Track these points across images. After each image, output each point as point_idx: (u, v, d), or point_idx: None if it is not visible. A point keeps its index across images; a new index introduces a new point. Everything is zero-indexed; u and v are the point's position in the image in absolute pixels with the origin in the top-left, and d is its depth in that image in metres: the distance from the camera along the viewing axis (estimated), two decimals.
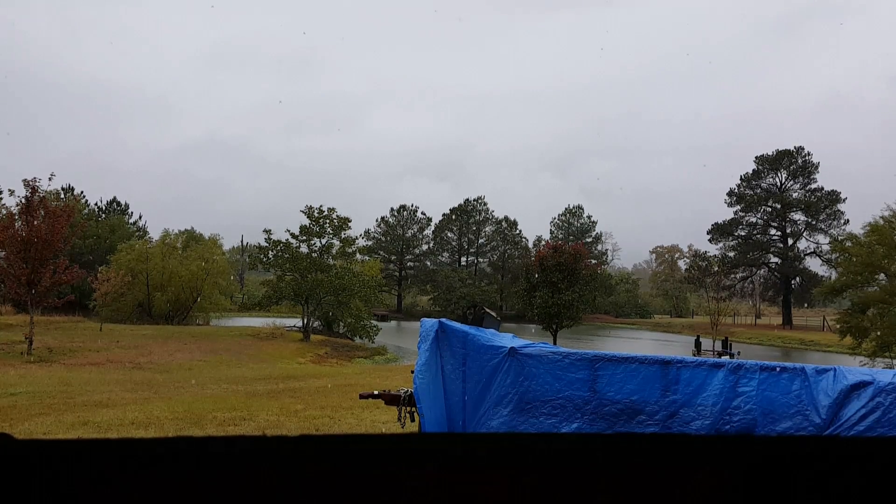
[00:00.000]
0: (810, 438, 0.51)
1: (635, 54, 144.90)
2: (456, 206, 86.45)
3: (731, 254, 73.67)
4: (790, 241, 72.59)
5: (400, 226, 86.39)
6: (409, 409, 5.14)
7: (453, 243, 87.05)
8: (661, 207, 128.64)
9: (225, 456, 0.47)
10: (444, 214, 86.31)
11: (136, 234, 64.90)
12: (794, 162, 71.45)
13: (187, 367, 23.77)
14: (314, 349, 34.88)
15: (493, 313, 40.36)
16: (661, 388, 4.51)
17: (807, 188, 71.32)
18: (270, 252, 40.19)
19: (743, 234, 73.82)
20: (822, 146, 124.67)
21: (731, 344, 36.47)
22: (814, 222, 70.80)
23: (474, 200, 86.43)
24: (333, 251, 41.42)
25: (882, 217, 33.81)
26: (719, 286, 65.05)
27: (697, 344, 37.57)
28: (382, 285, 50.95)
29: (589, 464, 0.50)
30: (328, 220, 40.76)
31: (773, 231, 73.94)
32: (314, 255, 40.27)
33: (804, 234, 72.17)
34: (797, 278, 71.85)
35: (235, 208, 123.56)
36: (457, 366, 5.07)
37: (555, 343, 20.80)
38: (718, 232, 73.81)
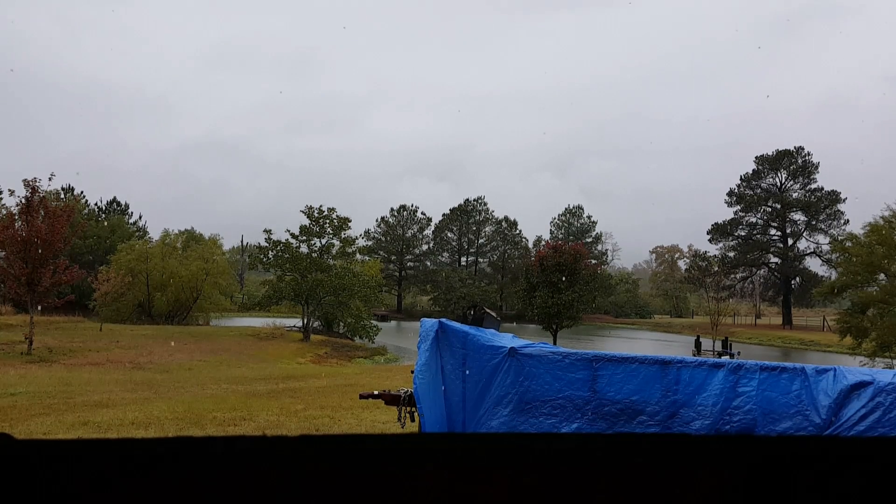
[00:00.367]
0: (810, 438, 0.51)
1: (635, 54, 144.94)
2: (456, 206, 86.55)
3: (731, 254, 73.68)
4: (790, 241, 72.60)
5: (400, 226, 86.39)
6: (409, 409, 5.14)
7: (453, 243, 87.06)
8: (661, 207, 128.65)
9: (225, 456, 0.47)
10: (444, 214, 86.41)
11: (136, 234, 64.90)
12: (794, 162, 71.46)
13: (187, 367, 23.77)
14: (314, 349, 34.88)
15: (493, 313, 40.35)
16: (661, 388, 4.51)
17: (807, 188, 71.34)
18: (270, 252, 40.19)
19: (743, 234, 73.83)
20: (821, 146, 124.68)
21: (731, 344, 36.48)
22: (814, 222, 70.81)
23: (474, 200, 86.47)
24: (333, 251, 41.43)
25: (882, 217, 33.81)
26: (719, 286, 65.08)
27: (697, 344, 37.57)
28: (382, 285, 50.94)
29: (589, 464, 0.50)
30: (328, 220, 40.77)
31: (773, 231, 73.95)
32: (314, 255, 40.27)
33: (804, 234, 72.19)
34: (797, 278, 71.86)
35: (235, 208, 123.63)
36: (457, 366, 5.07)
37: (555, 343, 20.82)
38: (718, 232, 73.81)
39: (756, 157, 73.39)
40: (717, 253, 74.48)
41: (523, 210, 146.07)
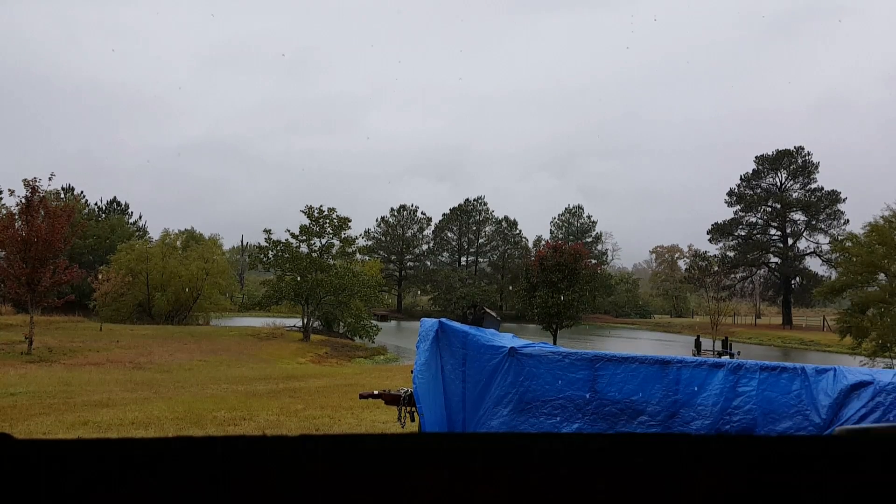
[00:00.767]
0: (810, 438, 0.51)
1: (635, 55, 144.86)
2: (456, 206, 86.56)
3: (731, 254, 73.68)
4: (790, 241, 72.60)
5: (400, 226, 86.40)
6: (409, 409, 5.14)
7: (453, 243, 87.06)
8: (661, 207, 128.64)
9: (225, 456, 0.47)
10: (444, 214, 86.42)
11: (136, 234, 64.92)
12: (793, 162, 71.46)
13: (187, 367, 23.77)
14: (314, 349, 34.88)
15: (493, 313, 40.30)
16: (661, 388, 4.51)
17: (807, 188, 71.34)
18: (270, 252, 40.19)
19: (743, 234, 73.83)
20: (821, 146, 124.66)
21: (731, 344, 36.47)
22: (814, 222, 70.82)
23: (474, 200, 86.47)
24: (333, 251, 41.42)
25: (882, 217, 33.82)
26: (719, 286, 65.09)
27: (697, 344, 37.56)
28: (382, 285, 50.94)
29: (589, 464, 0.50)
30: (328, 220, 40.77)
31: (773, 231, 73.95)
32: (314, 255, 40.27)
33: (804, 234, 72.19)
34: (797, 278, 71.86)
35: (235, 208, 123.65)
36: (457, 366, 5.07)
37: (555, 343, 20.81)
38: (718, 232, 73.81)
39: (756, 157, 73.44)
40: (717, 253, 74.53)
41: (523, 210, 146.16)
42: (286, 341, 36.39)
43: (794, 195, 71.63)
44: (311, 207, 40.65)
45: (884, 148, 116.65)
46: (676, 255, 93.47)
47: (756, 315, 77.92)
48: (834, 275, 49.13)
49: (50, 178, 27.18)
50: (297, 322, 42.30)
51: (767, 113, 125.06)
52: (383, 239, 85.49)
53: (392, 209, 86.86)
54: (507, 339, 5.17)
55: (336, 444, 0.49)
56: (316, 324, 42.03)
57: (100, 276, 42.11)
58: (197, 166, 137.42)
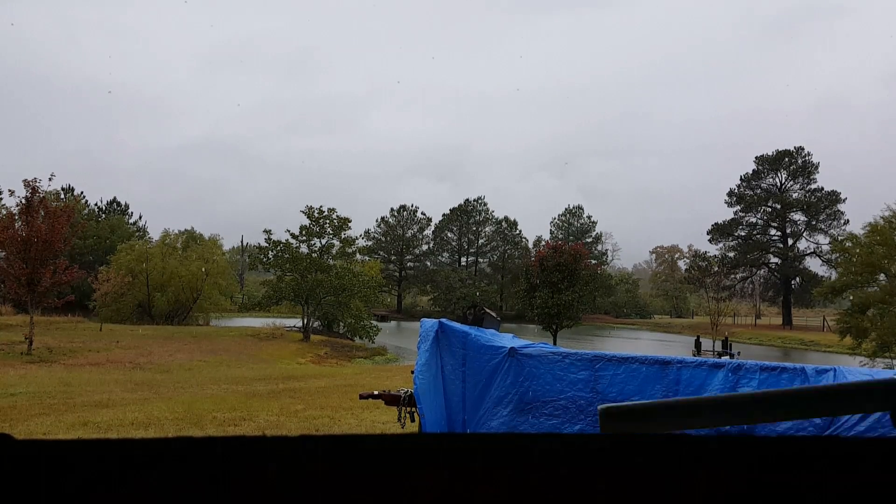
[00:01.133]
0: (810, 438, 0.51)
1: (634, 55, 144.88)
2: (456, 206, 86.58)
3: (731, 254, 73.70)
4: (790, 242, 72.61)
5: (400, 226, 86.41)
6: (409, 409, 5.14)
7: (453, 243, 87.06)
8: (661, 207, 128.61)
9: (225, 456, 0.47)
10: (444, 214, 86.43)
11: (136, 234, 64.93)
12: (794, 162, 71.48)
13: (187, 367, 23.77)
14: (314, 349, 34.89)
15: (493, 313, 40.32)
16: (662, 388, 4.51)
17: (807, 188, 71.36)
18: (270, 252, 40.20)
19: (743, 234, 73.84)
20: (821, 146, 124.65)
21: (731, 344, 36.48)
22: (814, 222, 70.83)
23: (474, 200, 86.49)
24: (333, 251, 41.43)
25: (882, 217, 33.82)
26: (719, 286, 65.04)
27: (697, 344, 37.57)
28: (382, 285, 50.96)
29: (589, 464, 0.50)
30: (328, 221, 40.79)
31: (773, 231, 73.97)
32: (314, 255, 40.28)
33: (804, 235, 72.21)
34: (797, 278, 71.86)
35: (235, 208, 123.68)
36: (457, 366, 5.07)
37: (555, 343, 20.80)
38: (718, 232, 73.83)
39: (756, 158, 73.46)
40: (717, 253, 74.53)
41: (523, 210, 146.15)
42: (286, 341, 36.40)
43: (794, 195, 71.65)
44: (311, 208, 40.69)
45: (883, 148, 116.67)
46: (676, 256, 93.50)
47: (756, 315, 77.93)
48: (834, 275, 49.13)
49: (50, 179, 27.22)
50: (297, 322, 42.30)
51: (767, 113, 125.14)
52: (383, 239, 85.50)
53: (392, 209, 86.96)
54: (507, 340, 5.17)
55: (336, 444, 0.49)
56: (316, 324, 42.03)
57: (100, 277, 42.12)
58: (197, 166, 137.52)
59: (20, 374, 19.41)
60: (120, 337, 32.89)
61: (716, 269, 69.77)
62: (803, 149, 71.60)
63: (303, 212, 40.49)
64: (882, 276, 33.38)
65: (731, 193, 73.99)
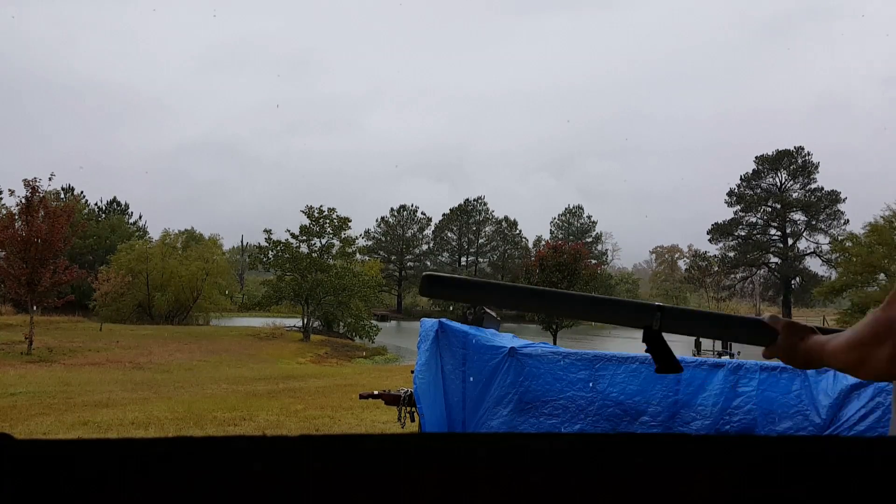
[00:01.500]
0: (810, 438, 0.51)
1: (634, 55, 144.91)
2: (456, 206, 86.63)
3: (731, 254, 73.72)
4: (790, 241, 72.64)
5: (400, 226, 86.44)
6: (409, 409, 5.14)
7: (453, 243, 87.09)
8: (660, 207, 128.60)
9: (225, 456, 0.47)
10: (443, 214, 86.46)
11: (136, 234, 64.96)
12: (793, 162, 71.50)
13: (187, 367, 23.78)
14: (314, 349, 34.89)
15: (493, 313, 40.32)
16: (662, 388, 4.51)
17: (807, 188, 71.38)
18: (270, 252, 40.22)
19: (743, 234, 73.86)
20: (821, 146, 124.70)
21: (731, 344, 36.43)
22: (814, 222, 70.86)
23: (474, 200, 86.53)
24: (333, 251, 41.44)
25: (882, 217, 33.83)
26: (719, 286, 65.06)
27: (697, 344, 37.51)
28: (382, 285, 50.98)
29: (589, 464, 0.50)
30: (328, 220, 40.81)
31: (773, 231, 73.99)
32: (314, 255, 40.28)
33: (804, 234, 72.23)
34: (797, 278, 71.88)
35: (235, 208, 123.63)
36: (457, 366, 5.07)
37: (555, 343, 20.82)
38: (718, 232, 73.84)
39: (756, 157, 73.47)
40: (717, 253, 74.56)
41: (523, 210, 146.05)
42: (286, 341, 36.40)
43: (794, 195, 71.67)
44: (311, 207, 40.71)
45: (883, 149, 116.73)
46: (676, 255, 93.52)
47: (756, 315, 77.83)
48: (834, 275, 49.15)
49: (50, 179, 27.25)
50: (297, 322, 42.32)
51: (767, 113, 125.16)
52: (383, 239, 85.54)
53: (392, 209, 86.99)
54: (507, 340, 5.17)
55: (336, 444, 0.49)
56: (316, 324, 42.04)
57: (100, 277, 42.14)
58: (196, 166, 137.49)
59: (20, 373, 19.41)
60: (120, 337, 32.90)
61: (716, 268, 69.83)
62: (803, 148, 71.66)
63: (303, 212, 40.54)
64: (882, 276, 33.38)
65: (731, 193, 74.03)
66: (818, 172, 71.11)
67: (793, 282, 71.88)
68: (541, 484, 0.48)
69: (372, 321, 43.23)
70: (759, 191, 73.13)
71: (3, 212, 28.37)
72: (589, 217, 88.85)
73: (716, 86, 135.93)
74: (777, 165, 72.07)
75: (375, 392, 5.51)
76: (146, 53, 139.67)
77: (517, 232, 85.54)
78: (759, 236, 73.60)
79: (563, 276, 36.26)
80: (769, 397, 4.24)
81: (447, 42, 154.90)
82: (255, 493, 0.46)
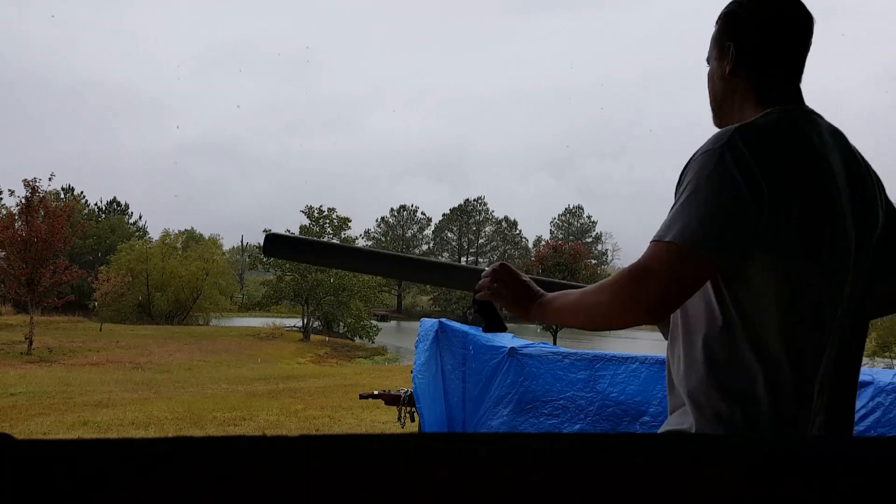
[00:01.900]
0: (810, 438, 0.51)
1: (633, 56, 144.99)
2: (456, 206, 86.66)
3: None
4: None
5: (400, 226, 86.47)
6: (409, 409, 5.14)
7: (453, 243, 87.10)
8: (661, 207, 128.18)
9: (225, 456, 0.47)
10: (443, 214, 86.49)
11: (136, 234, 64.97)
12: None
13: (187, 367, 23.79)
14: (314, 349, 34.90)
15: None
16: (662, 388, 4.51)
17: None
18: None
19: None
20: None
21: None
22: None
23: (474, 200, 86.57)
24: None
25: None
26: None
27: None
28: (382, 285, 50.99)
29: (589, 464, 0.50)
30: (328, 220, 40.86)
31: None
32: None
33: None
34: None
35: (235, 208, 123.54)
36: (457, 366, 5.07)
37: (555, 343, 20.80)
38: None
39: None
40: None
41: (523, 210, 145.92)
42: (286, 341, 36.41)
43: None
44: (311, 207, 40.76)
45: (882, 148, 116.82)
46: None
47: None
48: None
49: (50, 179, 27.27)
50: (297, 322, 42.34)
51: None
52: (383, 239, 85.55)
53: (392, 209, 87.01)
54: (507, 340, 5.17)
55: (336, 444, 0.49)
56: (316, 324, 42.05)
57: (100, 277, 42.14)
58: (196, 166, 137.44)
59: (20, 373, 19.42)
60: (120, 337, 32.91)
61: None
62: None
63: (303, 212, 40.60)
64: None
65: None
66: None
67: None
68: (541, 484, 0.48)
69: (372, 321, 43.26)
70: None
71: (3, 212, 28.38)
72: (589, 217, 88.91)
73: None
74: None
75: (375, 392, 5.51)
76: (146, 53, 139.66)
77: (517, 232, 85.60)
78: None
79: (563, 277, 36.27)
80: None
81: (447, 42, 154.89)
82: (255, 493, 0.46)
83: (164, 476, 0.46)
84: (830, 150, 1.42)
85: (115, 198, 70.46)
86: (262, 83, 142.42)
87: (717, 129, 1.50)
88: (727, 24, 1.62)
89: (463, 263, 1.97)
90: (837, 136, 1.49)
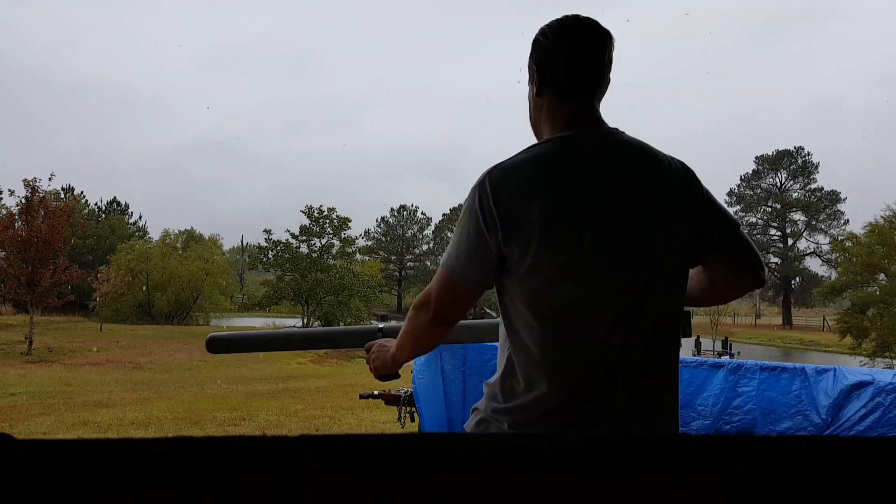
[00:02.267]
0: (810, 438, 0.51)
1: (633, 56, 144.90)
2: (456, 205, 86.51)
3: None
4: (790, 241, 72.65)
5: (400, 226, 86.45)
6: (409, 409, 5.14)
7: None
8: None
9: (225, 456, 0.47)
10: (443, 214, 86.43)
11: (136, 234, 64.97)
12: (793, 162, 71.52)
13: (187, 367, 23.79)
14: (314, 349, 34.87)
15: (493, 313, 40.44)
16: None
17: (807, 188, 71.41)
18: (270, 252, 40.24)
19: None
20: (820, 146, 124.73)
21: (731, 344, 36.43)
22: (814, 222, 70.87)
23: None
24: (333, 251, 41.45)
25: (882, 217, 33.83)
26: None
27: (697, 344, 37.52)
28: (382, 285, 51.00)
29: (589, 464, 0.50)
30: (328, 220, 40.82)
31: (773, 231, 74.01)
32: (314, 255, 40.29)
33: (804, 235, 72.25)
34: (797, 278, 71.90)
35: (235, 208, 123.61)
36: (457, 365, 5.07)
37: None
38: None
39: (756, 157, 73.49)
40: None
41: None
42: None
43: (794, 195, 71.69)
44: (310, 207, 40.73)
45: (882, 150, 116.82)
46: None
47: (756, 315, 77.92)
48: (834, 275, 49.16)
49: (50, 179, 27.27)
50: (297, 322, 42.33)
51: (767, 113, 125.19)
52: (383, 239, 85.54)
53: (392, 209, 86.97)
54: None
55: (336, 444, 0.49)
56: (316, 324, 42.05)
57: (100, 277, 42.13)
58: (196, 166, 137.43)
59: (20, 373, 19.42)
60: (120, 337, 32.90)
61: None
62: (803, 148, 71.66)
63: (303, 212, 40.56)
64: (882, 276, 33.39)
65: (731, 193, 74.03)
66: (818, 172, 71.17)
67: (793, 282, 71.89)
68: (541, 484, 0.48)
69: (372, 321, 43.26)
70: (759, 191, 73.17)
71: (3, 212, 28.38)
72: None
73: (716, 85, 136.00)
74: (777, 165, 72.09)
75: (375, 392, 5.50)
76: (146, 53, 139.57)
77: None
78: (759, 236, 73.56)
79: None
80: (769, 397, 4.23)
81: (447, 42, 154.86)
82: (255, 493, 0.46)
83: (164, 476, 0.46)
84: (613, 170, 1.57)
85: (115, 198, 70.47)
86: (262, 83, 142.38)
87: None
88: (533, 49, 1.70)
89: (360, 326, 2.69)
90: (635, 154, 1.69)
